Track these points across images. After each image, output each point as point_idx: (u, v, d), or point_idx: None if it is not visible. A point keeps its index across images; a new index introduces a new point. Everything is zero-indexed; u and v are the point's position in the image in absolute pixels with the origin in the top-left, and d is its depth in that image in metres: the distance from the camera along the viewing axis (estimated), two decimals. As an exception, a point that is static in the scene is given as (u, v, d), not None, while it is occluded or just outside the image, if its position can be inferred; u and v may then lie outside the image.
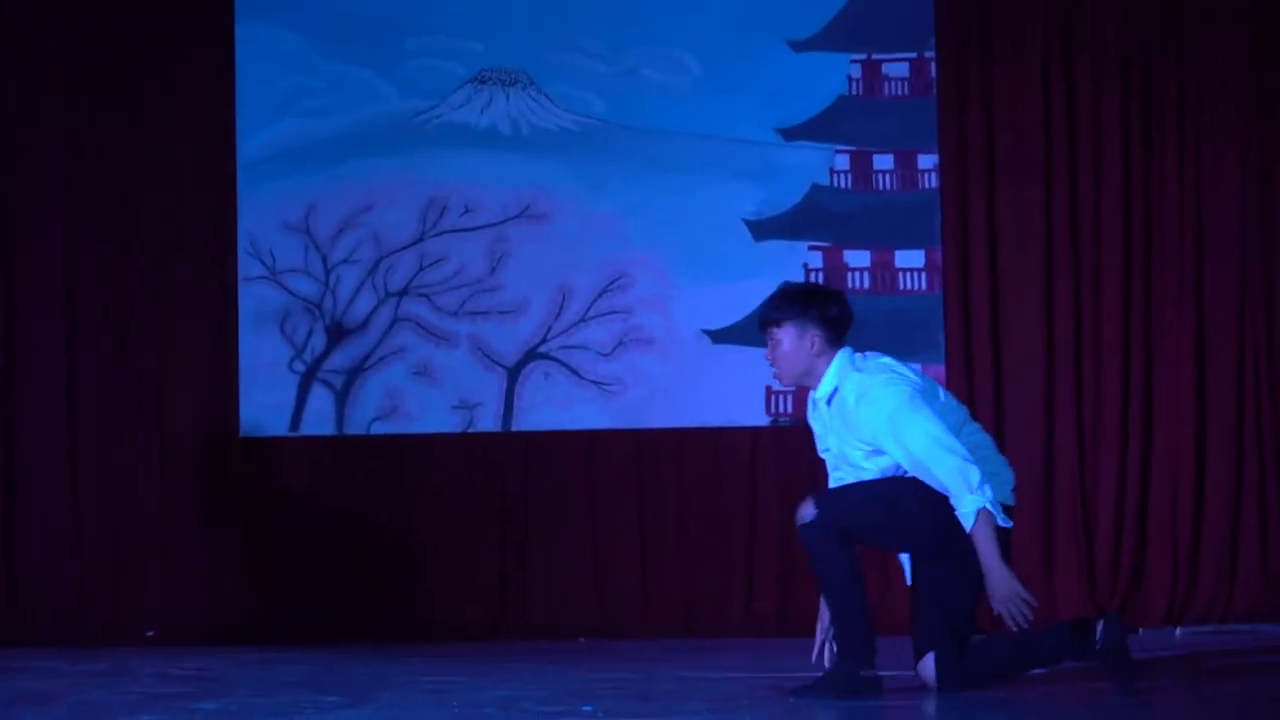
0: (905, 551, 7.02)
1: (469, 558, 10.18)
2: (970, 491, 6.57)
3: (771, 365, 6.99)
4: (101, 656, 9.30)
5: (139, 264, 10.32)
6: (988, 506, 6.57)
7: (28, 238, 10.32)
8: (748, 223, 10.25)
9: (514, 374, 10.25)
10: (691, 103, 10.33)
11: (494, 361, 10.26)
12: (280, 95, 10.41)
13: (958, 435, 6.76)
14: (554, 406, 10.25)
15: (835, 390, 6.90)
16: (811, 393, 7.03)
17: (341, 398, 10.27)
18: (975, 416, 9.82)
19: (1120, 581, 9.94)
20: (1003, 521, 6.63)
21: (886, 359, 6.99)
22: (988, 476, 6.64)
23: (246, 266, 10.30)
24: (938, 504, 6.66)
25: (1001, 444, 9.92)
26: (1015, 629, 6.63)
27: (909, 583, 6.98)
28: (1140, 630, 9.66)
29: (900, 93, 10.30)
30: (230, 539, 10.25)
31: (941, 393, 7.05)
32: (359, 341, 10.30)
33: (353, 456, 10.28)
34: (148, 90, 10.36)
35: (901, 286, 10.21)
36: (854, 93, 10.31)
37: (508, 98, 10.40)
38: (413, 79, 10.40)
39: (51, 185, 10.33)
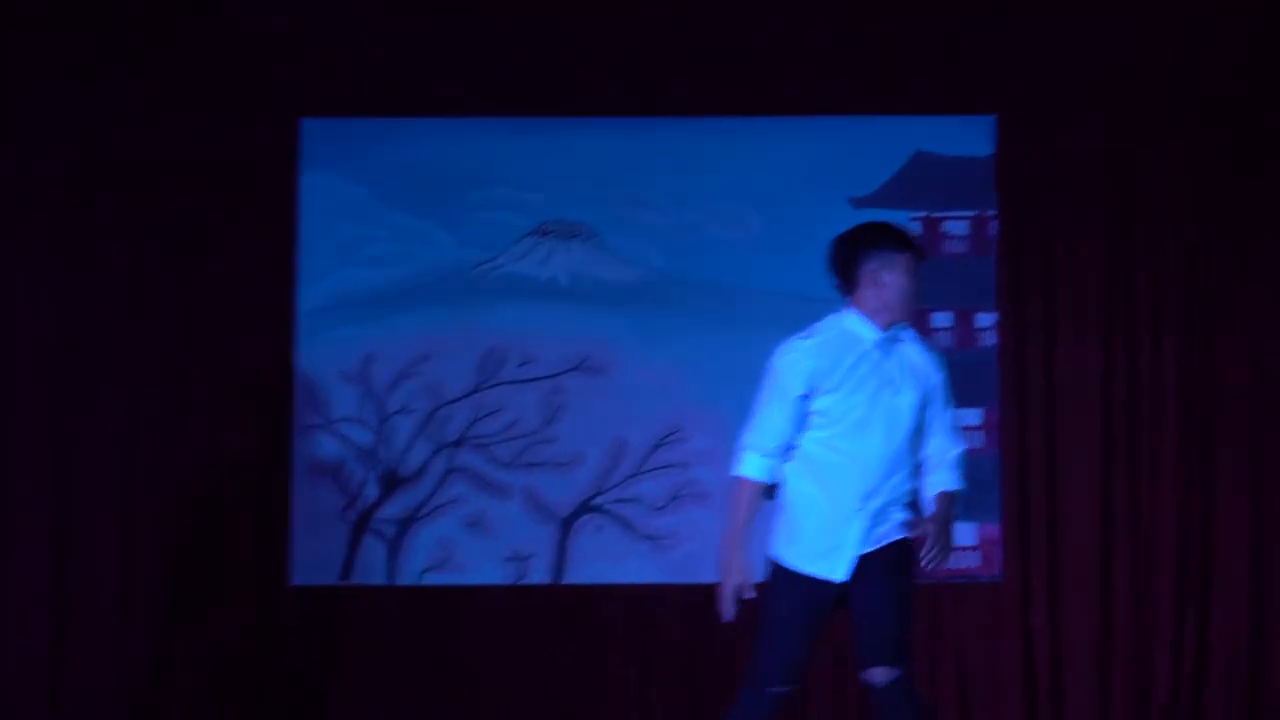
0: None
1: (517, 713, 10.06)
2: None
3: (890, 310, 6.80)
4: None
5: (195, 412, 10.29)
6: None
7: (88, 383, 10.31)
8: (806, 379, 10.19)
9: (566, 526, 10.19)
10: (752, 258, 10.33)
11: (547, 513, 10.20)
12: (341, 244, 10.44)
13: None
14: (606, 560, 10.18)
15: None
16: (866, 333, 6.81)
17: (393, 547, 10.22)
18: (1030, 577, 9.86)
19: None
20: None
21: None
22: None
23: (303, 415, 10.29)
24: None
25: (1059, 607, 9.88)
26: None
27: None
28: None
29: (960, 250, 10.28)
30: (278, 687, 10.16)
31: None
32: (412, 491, 10.27)
33: (403, 607, 10.20)
34: (210, 236, 10.38)
35: (960, 445, 10.11)
36: (914, 250, 10.27)
37: (568, 249, 10.41)
38: (474, 230, 10.43)
39: (114, 334, 10.33)
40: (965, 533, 10.05)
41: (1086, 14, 10.24)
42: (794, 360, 6.75)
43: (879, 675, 6.75)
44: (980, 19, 10.31)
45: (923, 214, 10.32)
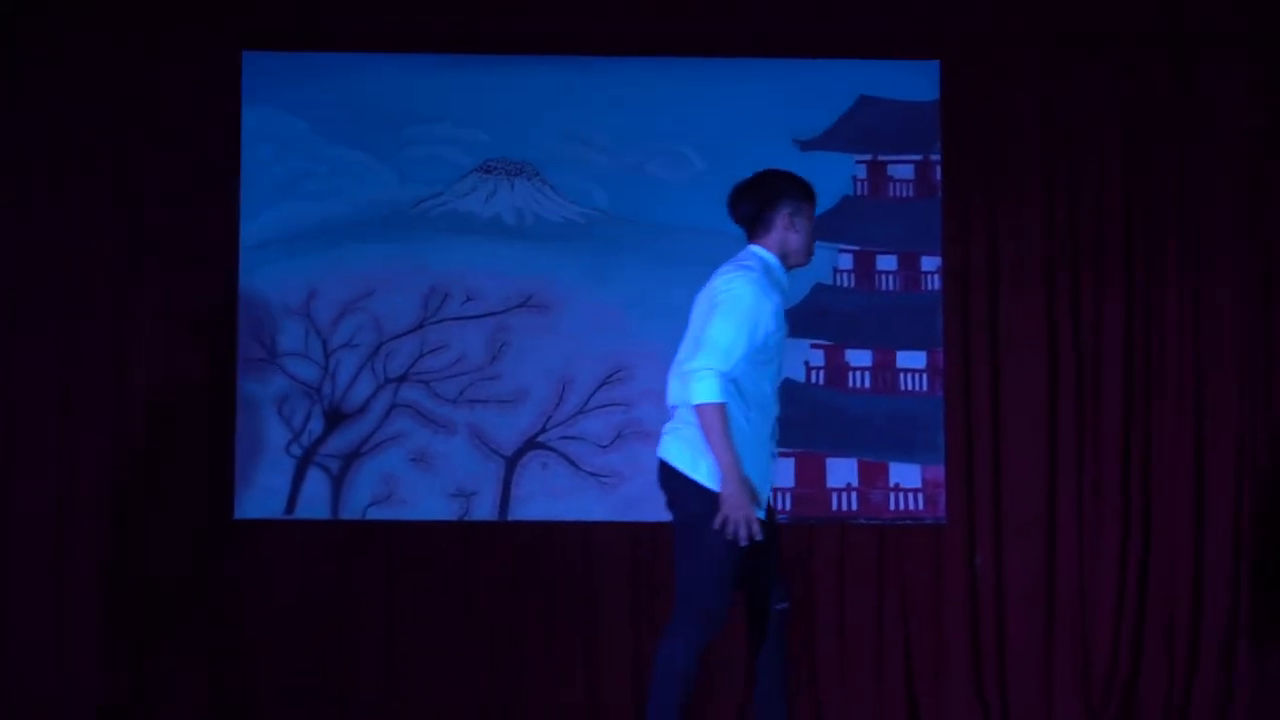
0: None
1: (461, 646, 10.10)
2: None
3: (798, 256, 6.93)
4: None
5: (137, 345, 10.24)
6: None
7: (27, 331, 10.24)
8: (749, 319, 10.23)
9: (512, 463, 10.21)
10: (696, 198, 10.35)
11: (492, 450, 10.21)
12: (284, 179, 10.39)
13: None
14: (551, 497, 10.21)
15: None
16: (780, 276, 6.94)
17: (338, 482, 10.21)
18: (975, 520, 9.96)
19: (1114, 692, 9.90)
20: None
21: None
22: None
23: (246, 348, 10.24)
24: None
25: (1000, 547, 10.00)
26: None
27: None
28: (1134, 738, 9.69)
29: (905, 194, 10.35)
30: (221, 620, 10.14)
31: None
32: (357, 426, 10.25)
33: (346, 541, 10.19)
34: (150, 170, 10.31)
35: (902, 387, 10.21)
36: (859, 193, 10.35)
37: (512, 188, 10.40)
38: (417, 167, 10.40)
39: (53, 264, 10.26)
40: (910, 474, 10.15)
41: (1032, -41, 10.34)
42: (765, 295, 6.79)
43: (783, 605, 6.81)
44: (926, -37, 10.38)
45: (868, 157, 10.38)
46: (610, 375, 10.26)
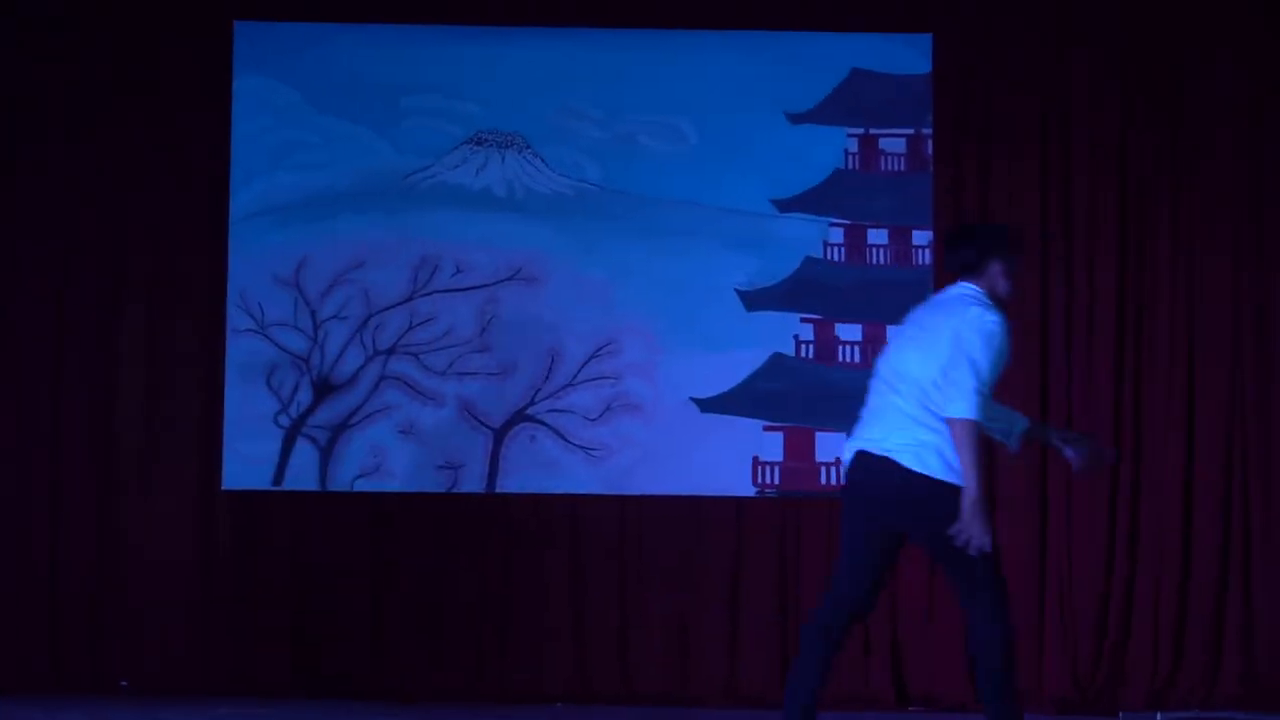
0: None
1: (447, 619, 10.10)
2: None
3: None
4: (76, 706, 9.24)
5: (128, 314, 10.24)
6: None
7: (23, 287, 10.24)
8: (740, 293, 10.24)
9: (500, 436, 10.20)
10: (687, 171, 10.33)
11: (480, 422, 10.20)
12: (275, 149, 10.37)
13: None
14: (539, 469, 10.19)
15: None
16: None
17: (326, 454, 10.20)
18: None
19: (1103, 665, 9.90)
20: None
21: None
22: None
23: (235, 319, 10.23)
24: None
25: (994, 522, 9.97)
26: None
27: None
28: (1121, 714, 9.65)
29: (896, 168, 10.32)
30: (208, 591, 10.15)
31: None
32: (345, 398, 10.24)
33: (335, 513, 10.19)
34: (142, 140, 10.30)
35: (892, 362, 10.17)
36: (850, 167, 10.33)
37: (503, 160, 10.38)
38: (408, 138, 10.38)
39: (46, 233, 10.25)
40: (898, 449, 10.12)
41: (1022, -68, 10.31)
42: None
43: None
44: (919, -63, 10.35)
45: (860, 131, 10.35)
46: (600, 348, 10.24)
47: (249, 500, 10.19)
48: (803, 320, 10.24)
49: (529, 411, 10.23)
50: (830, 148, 10.33)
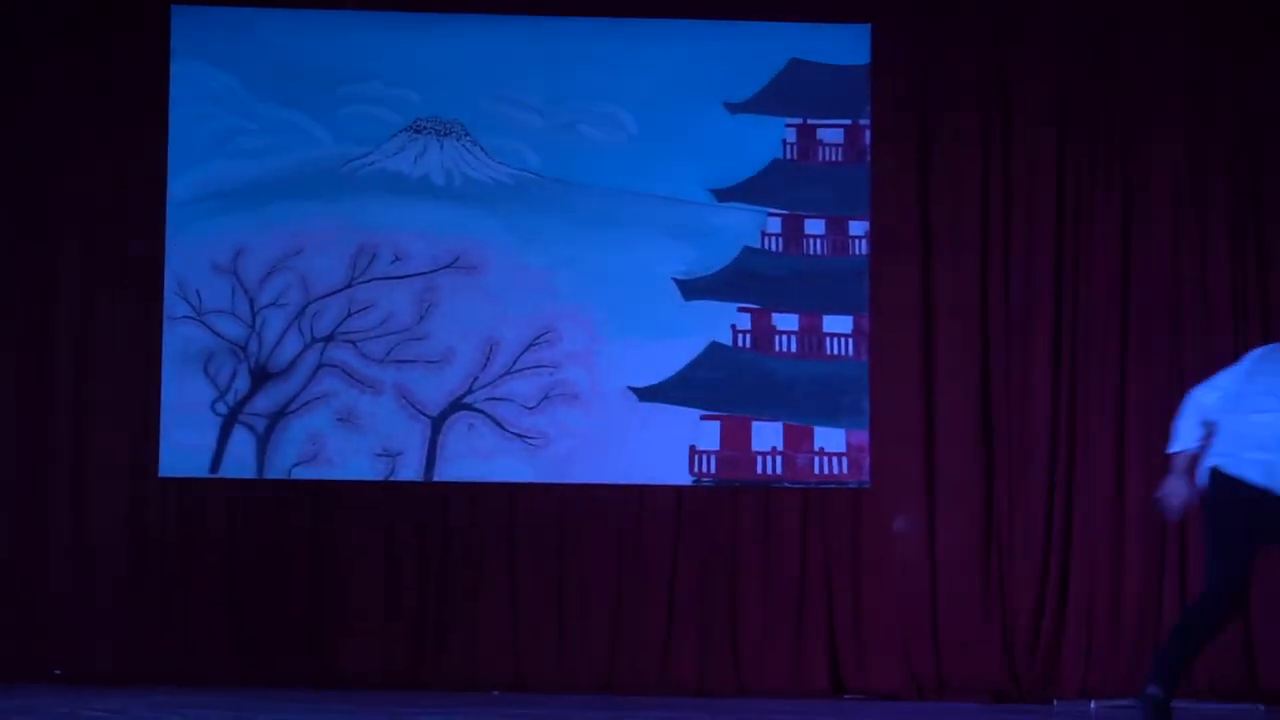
0: None
1: (386, 607, 10.11)
2: None
3: None
4: (10, 694, 9.20)
5: (63, 301, 10.21)
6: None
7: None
8: (678, 282, 10.26)
9: (438, 424, 10.20)
10: (626, 160, 10.35)
11: (418, 411, 10.21)
12: (213, 135, 10.34)
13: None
14: (477, 458, 10.20)
15: None
16: None
17: (263, 441, 10.19)
18: (900, 484, 9.99)
19: (1039, 653, 9.95)
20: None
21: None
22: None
23: (172, 306, 10.21)
24: None
25: (931, 510, 10.03)
26: None
27: None
28: (1055, 702, 9.71)
29: (834, 158, 10.35)
30: (144, 579, 10.13)
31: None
32: (283, 385, 10.23)
33: (273, 500, 10.18)
34: (79, 125, 10.26)
35: (829, 351, 10.23)
36: (788, 156, 10.35)
37: (442, 148, 10.38)
38: (347, 125, 10.36)
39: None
40: (835, 439, 10.17)
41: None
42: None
43: None
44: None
45: (798, 121, 10.38)
46: (538, 337, 10.25)
47: (186, 487, 10.16)
48: (740, 310, 10.26)
49: (467, 400, 10.23)
50: (768, 137, 10.35)
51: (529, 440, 10.22)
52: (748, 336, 10.24)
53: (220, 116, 10.37)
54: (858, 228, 10.29)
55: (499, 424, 10.22)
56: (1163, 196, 10.18)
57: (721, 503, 10.17)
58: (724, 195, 10.31)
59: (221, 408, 10.21)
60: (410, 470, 10.19)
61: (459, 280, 10.28)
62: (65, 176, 10.26)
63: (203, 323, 10.24)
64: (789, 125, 10.37)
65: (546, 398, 10.23)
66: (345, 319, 10.26)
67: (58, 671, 9.99)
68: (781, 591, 10.12)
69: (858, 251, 10.28)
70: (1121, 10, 10.29)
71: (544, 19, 10.40)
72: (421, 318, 10.27)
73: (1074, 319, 10.14)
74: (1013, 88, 10.27)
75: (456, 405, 10.23)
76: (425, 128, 10.40)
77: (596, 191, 10.34)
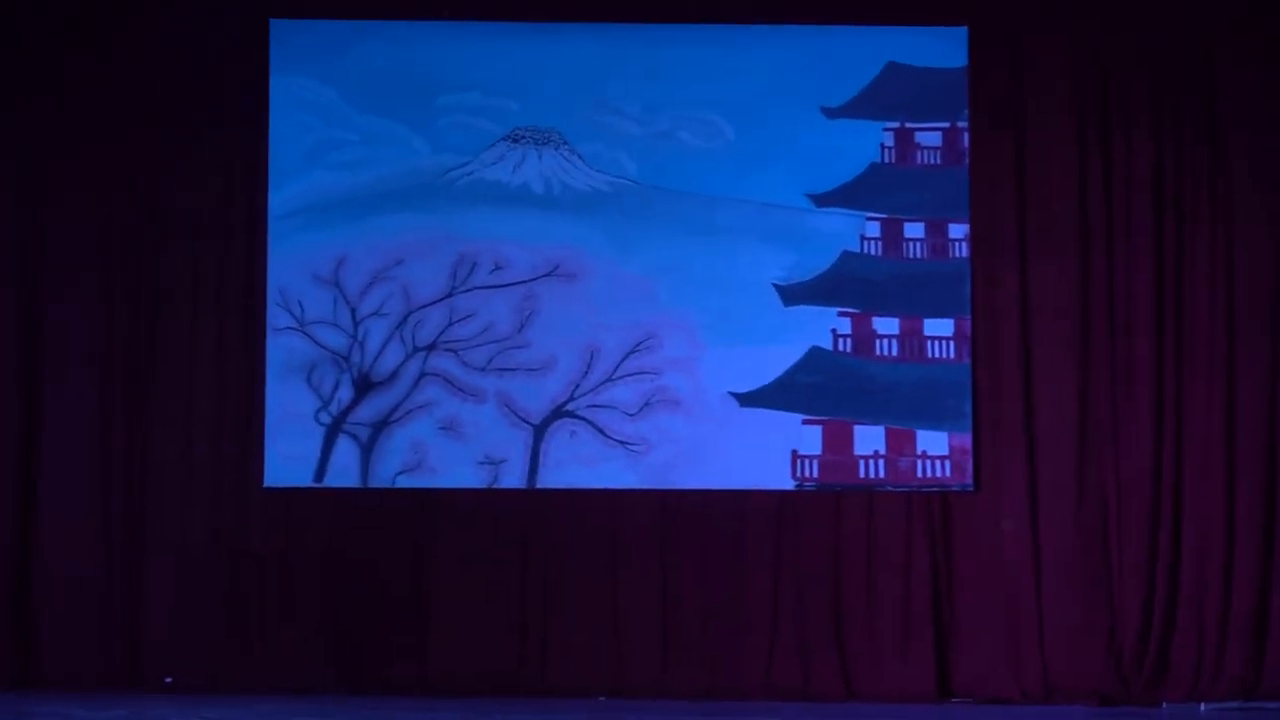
0: None
1: (489, 614, 10.14)
2: None
3: None
4: (120, 704, 9.29)
5: (168, 314, 10.30)
6: None
7: (59, 285, 10.31)
8: (777, 287, 10.26)
9: (540, 431, 10.24)
10: (724, 166, 10.36)
11: (520, 418, 10.24)
12: (313, 148, 10.42)
13: None
14: (579, 465, 10.23)
15: None
16: None
17: (367, 450, 10.25)
18: (1004, 486, 9.96)
19: (1148, 655, 9.89)
20: None
21: None
22: None
23: (275, 317, 10.29)
24: None
25: (1034, 512, 10.00)
26: None
27: None
28: (1164, 705, 9.66)
29: (932, 162, 10.33)
30: (248, 588, 10.20)
31: None
32: (386, 395, 10.29)
33: (376, 509, 10.24)
34: (180, 139, 10.35)
35: (930, 355, 10.21)
36: (886, 160, 10.34)
37: (540, 156, 10.42)
38: (446, 135, 10.42)
39: (82, 233, 10.32)
40: (937, 442, 10.15)
41: (1057, -75, 10.31)
42: None
43: None
44: (952, -69, 10.36)
45: (895, 125, 10.37)
46: (638, 344, 10.27)
47: (289, 497, 10.24)
48: (840, 314, 10.26)
49: (568, 407, 10.26)
50: (866, 142, 10.35)
51: (631, 447, 10.24)
52: (848, 340, 10.23)
53: (319, 129, 10.45)
54: (957, 230, 10.26)
55: (601, 431, 10.24)
56: (1263, 197, 10.11)
57: (824, 507, 10.15)
58: (822, 200, 10.31)
59: (325, 417, 10.28)
60: (513, 478, 10.23)
61: (558, 288, 10.31)
62: (169, 191, 10.35)
63: (305, 333, 10.31)
64: (886, 129, 10.36)
65: (648, 404, 10.25)
66: (446, 328, 10.31)
67: (168, 680, 10.07)
68: (886, 595, 10.10)
69: (958, 254, 10.26)
70: (1218, 14, 10.22)
71: (640, 27, 10.43)
72: (522, 326, 10.31)
73: (1176, 319, 10.07)
74: (1110, 88, 10.22)
75: (558, 413, 10.26)
76: (523, 137, 10.45)
77: (695, 198, 10.36)
